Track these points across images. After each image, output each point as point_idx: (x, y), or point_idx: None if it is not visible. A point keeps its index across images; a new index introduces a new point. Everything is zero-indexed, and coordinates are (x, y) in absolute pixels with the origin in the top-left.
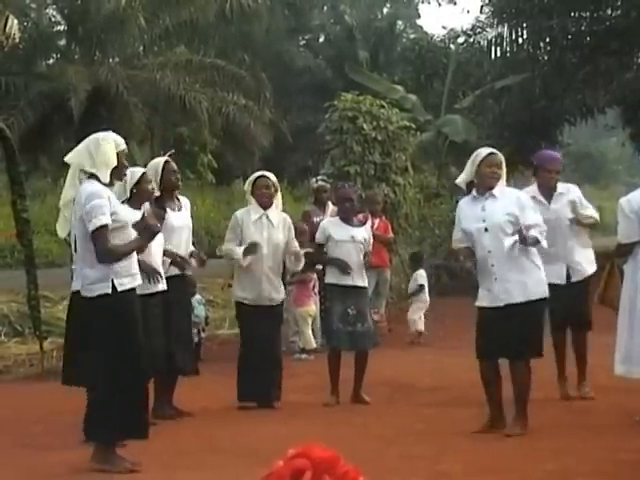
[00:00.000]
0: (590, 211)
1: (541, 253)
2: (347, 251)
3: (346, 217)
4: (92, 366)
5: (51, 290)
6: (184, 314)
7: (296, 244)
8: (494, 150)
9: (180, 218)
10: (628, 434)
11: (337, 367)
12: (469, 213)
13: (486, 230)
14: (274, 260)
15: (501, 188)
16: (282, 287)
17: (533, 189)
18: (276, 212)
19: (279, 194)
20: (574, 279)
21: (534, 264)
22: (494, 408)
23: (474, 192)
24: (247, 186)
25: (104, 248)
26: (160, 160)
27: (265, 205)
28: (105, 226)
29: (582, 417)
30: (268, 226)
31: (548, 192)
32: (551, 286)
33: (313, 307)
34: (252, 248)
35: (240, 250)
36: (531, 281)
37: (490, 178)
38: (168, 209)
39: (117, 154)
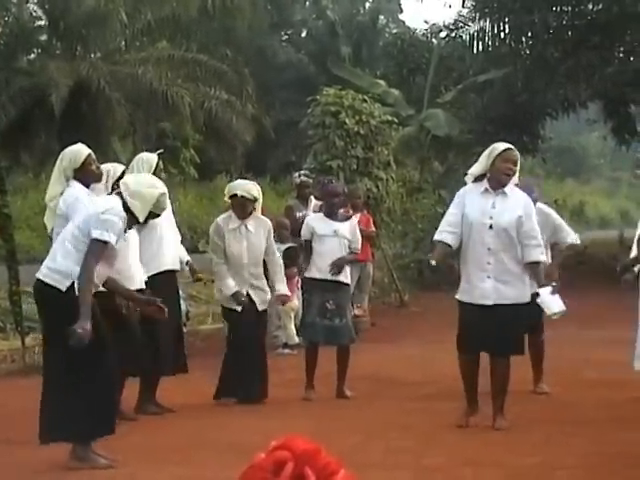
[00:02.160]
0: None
1: None
2: (330, 245)
3: (331, 212)
4: (57, 363)
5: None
6: (170, 312)
7: (274, 248)
8: (511, 146)
9: (166, 217)
10: (613, 427)
11: (314, 361)
12: (476, 203)
13: (490, 227)
14: (255, 266)
15: (511, 187)
16: (267, 288)
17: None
18: (254, 219)
19: (259, 202)
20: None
21: (523, 271)
22: (471, 398)
23: (486, 185)
24: (226, 197)
25: (90, 263)
26: (154, 156)
27: (241, 216)
28: (107, 244)
29: (567, 411)
30: (247, 235)
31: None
32: None
33: (296, 302)
34: (238, 298)
35: (231, 289)
36: (522, 285)
37: (504, 174)
38: None
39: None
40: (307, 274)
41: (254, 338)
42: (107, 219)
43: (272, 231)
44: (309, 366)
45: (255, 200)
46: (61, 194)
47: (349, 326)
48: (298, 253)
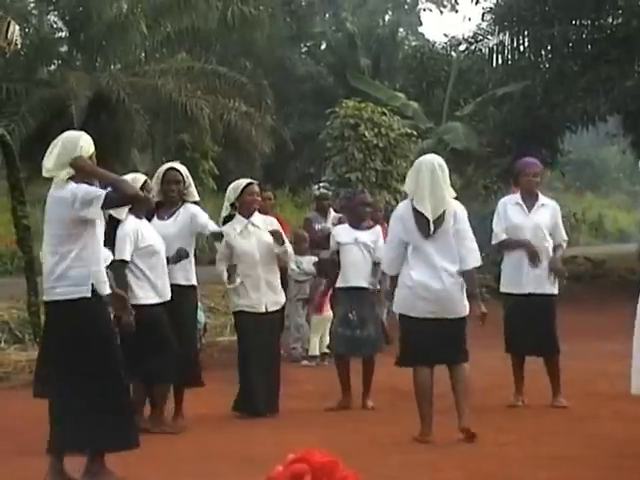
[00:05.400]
0: (559, 236)
1: (512, 261)
2: (351, 253)
3: (359, 222)
4: (73, 373)
5: None
6: (187, 324)
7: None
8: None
9: (164, 227)
10: (631, 441)
11: (344, 372)
12: None
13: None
14: (269, 263)
15: None
16: (281, 290)
17: (517, 196)
18: (259, 217)
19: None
20: (539, 291)
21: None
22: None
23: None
24: (231, 194)
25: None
26: (163, 167)
27: (247, 214)
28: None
29: (583, 424)
30: (255, 231)
31: (530, 200)
32: (514, 296)
33: (330, 314)
34: (232, 270)
35: (225, 275)
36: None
37: None
38: (155, 218)
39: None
40: (337, 284)
41: (263, 345)
42: (85, 193)
43: (278, 227)
44: (340, 377)
45: (259, 193)
46: None
47: (372, 337)
48: (328, 264)
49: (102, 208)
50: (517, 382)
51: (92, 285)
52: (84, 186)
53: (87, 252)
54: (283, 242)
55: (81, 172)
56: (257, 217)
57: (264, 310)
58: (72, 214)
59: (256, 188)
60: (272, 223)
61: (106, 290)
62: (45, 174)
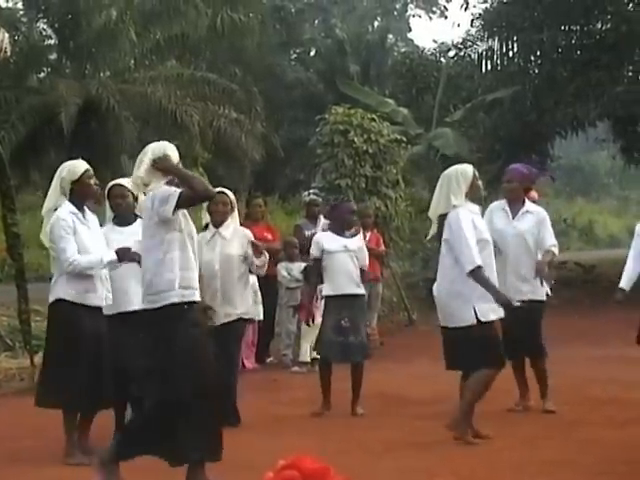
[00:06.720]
0: (548, 241)
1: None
2: (342, 261)
3: (344, 229)
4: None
5: (42, 304)
6: None
7: (257, 260)
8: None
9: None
10: (622, 446)
11: (328, 379)
12: None
13: None
14: (229, 275)
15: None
16: (246, 301)
17: (503, 202)
18: (230, 228)
19: (235, 212)
20: (520, 297)
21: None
22: None
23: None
24: (204, 207)
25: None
26: (110, 184)
27: (217, 223)
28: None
29: (574, 430)
30: (221, 242)
31: (515, 206)
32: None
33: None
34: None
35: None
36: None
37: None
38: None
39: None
40: (324, 292)
41: (219, 357)
42: (163, 194)
43: (250, 240)
44: (324, 384)
45: (232, 206)
46: (55, 209)
47: (363, 343)
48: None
49: (177, 207)
50: (519, 387)
51: (180, 291)
52: (162, 188)
53: (170, 256)
54: (261, 253)
55: (166, 172)
56: (226, 228)
57: (221, 321)
58: (153, 216)
59: (223, 197)
60: (241, 234)
61: (194, 297)
62: (138, 184)
